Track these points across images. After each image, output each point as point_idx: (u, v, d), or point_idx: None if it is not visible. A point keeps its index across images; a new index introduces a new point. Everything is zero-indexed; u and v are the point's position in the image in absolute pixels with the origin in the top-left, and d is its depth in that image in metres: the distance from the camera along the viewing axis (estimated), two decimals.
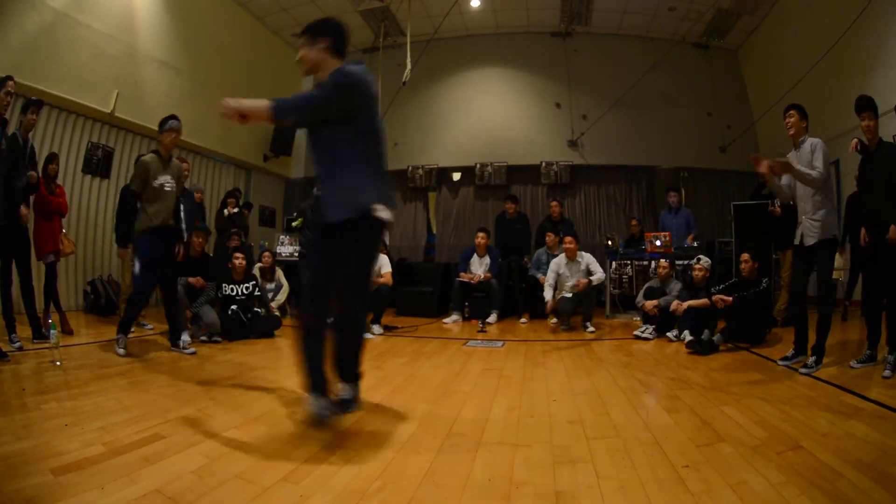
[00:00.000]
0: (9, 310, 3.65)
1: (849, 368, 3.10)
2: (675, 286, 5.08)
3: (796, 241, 3.41)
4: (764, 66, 8.14)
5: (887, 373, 2.80)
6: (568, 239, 5.57)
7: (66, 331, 4.26)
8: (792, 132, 3.37)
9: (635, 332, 4.94)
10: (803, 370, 3.13)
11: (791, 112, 3.37)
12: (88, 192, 6.03)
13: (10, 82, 3.36)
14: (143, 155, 3.87)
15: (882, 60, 5.73)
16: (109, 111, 5.90)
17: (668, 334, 4.71)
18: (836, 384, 2.81)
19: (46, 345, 3.39)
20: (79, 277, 5.89)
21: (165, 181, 3.60)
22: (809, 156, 3.26)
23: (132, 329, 4.01)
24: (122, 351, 3.56)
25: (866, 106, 3.18)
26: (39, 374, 2.95)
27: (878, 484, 1.59)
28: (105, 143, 6.14)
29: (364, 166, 2.16)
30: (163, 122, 3.70)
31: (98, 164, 6.05)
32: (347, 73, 2.14)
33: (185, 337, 4.25)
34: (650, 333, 4.82)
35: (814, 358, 3.16)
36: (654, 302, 4.89)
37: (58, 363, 3.14)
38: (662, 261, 5.35)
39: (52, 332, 3.25)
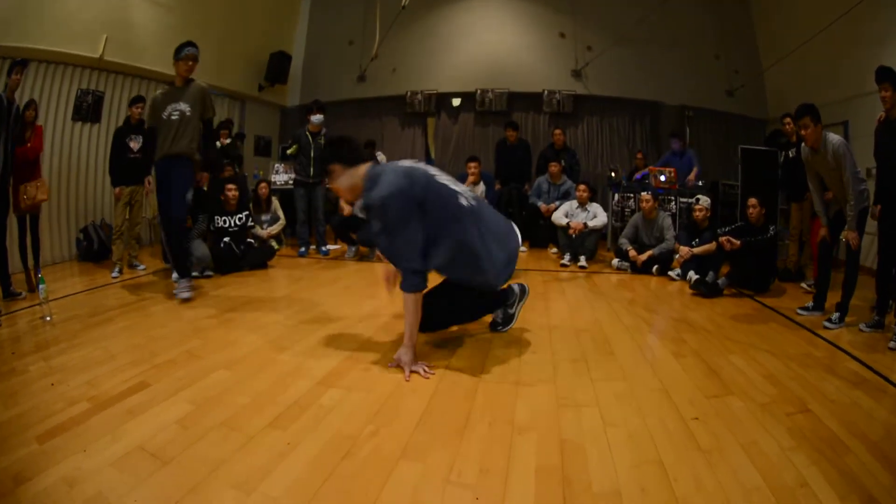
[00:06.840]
0: None
1: (857, 332, 3.05)
2: (666, 221, 4.82)
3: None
4: (776, 14, 7.43)
5: (893, 344, 2.76)
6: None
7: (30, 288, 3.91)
8: (811, 143, 3.17)
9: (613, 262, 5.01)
10: (827, 324, 3.13)
11: (805, 121, 3.12)
12: (79, 139, 5.79)
13: None
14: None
15: None
16: (98, 56, 5.57)
17: (671, 273, 4.57)
18: (843, 348, 2.73)
19: (36, 302, 3.20)
20: (70, 226, 5.71)
21: (173, 110, 3.51)
22: (832, 161, 3.11)
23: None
24: (187, 295, 3.53)
25: (885, 77, 2.97)
26: (29, 333, 2.80)
27: (883, 467, 1.51)
28: (95, 88, 5.85)
29: None
30: (179, 49, 3.55)
31: (88, 110, 5.78)
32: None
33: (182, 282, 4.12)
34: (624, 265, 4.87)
35: (838, 314, 3.17)
36: (643, 257, 4.69)
37: (48, 318, 3.00)
38: (645, 194, 4.95)
39: (41, 287, 3.08)
